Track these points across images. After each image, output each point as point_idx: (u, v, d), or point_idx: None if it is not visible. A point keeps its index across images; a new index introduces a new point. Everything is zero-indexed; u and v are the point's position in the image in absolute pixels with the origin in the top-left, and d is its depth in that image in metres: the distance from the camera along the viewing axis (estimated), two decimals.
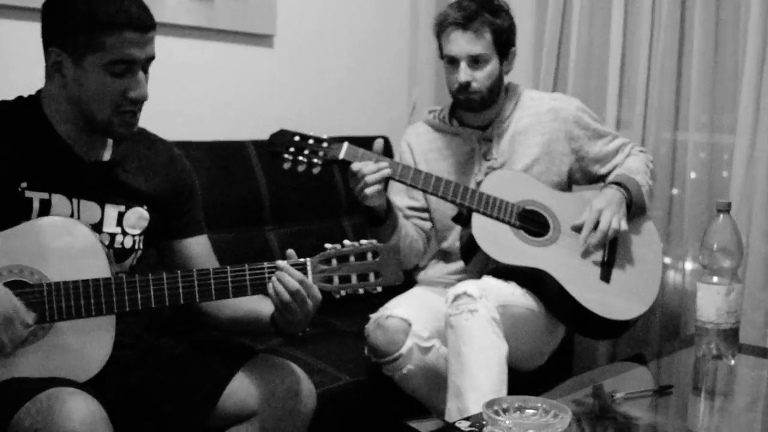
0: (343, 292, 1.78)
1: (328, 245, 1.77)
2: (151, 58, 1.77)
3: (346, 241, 1.78)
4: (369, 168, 2.28)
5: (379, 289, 1.79)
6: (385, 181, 2.33)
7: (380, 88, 3.61)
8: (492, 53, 2.49)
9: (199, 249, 1.96)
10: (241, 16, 3.03)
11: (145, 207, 1.88)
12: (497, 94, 2.56)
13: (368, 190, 2.28)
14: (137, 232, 1.87)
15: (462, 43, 2.47)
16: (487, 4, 2.49)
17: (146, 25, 1.72)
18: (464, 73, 2.48)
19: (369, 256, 1.78)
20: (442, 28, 2.52)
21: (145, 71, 1.77)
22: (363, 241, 1.78)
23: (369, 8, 3.53)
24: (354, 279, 1.77)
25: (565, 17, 3.28)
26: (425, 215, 2.66)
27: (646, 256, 2.53)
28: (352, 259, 1.77)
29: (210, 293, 1.72)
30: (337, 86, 3.42)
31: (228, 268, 1.73)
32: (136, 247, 1.87)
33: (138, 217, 1.87)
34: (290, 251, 1.78)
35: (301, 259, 1.76)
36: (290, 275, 1.73)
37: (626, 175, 2.54)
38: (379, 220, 2.41)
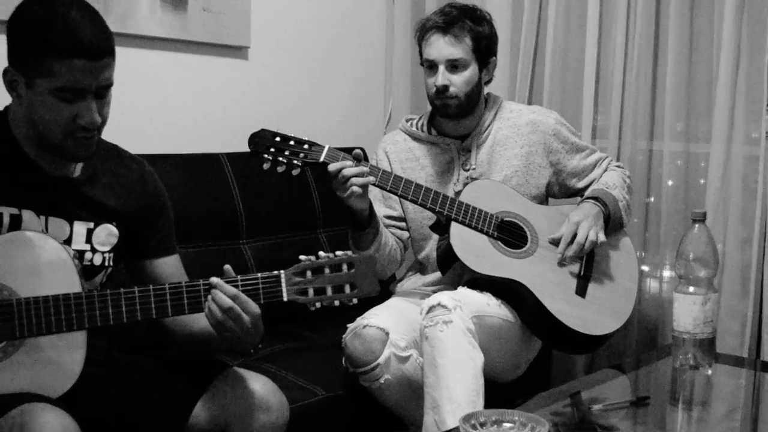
0: (318, 305, 1.77)
1: (302, 257, 1.76)
2: (107, 85, 1.72)
3: (321, 253, 1.77)
4: (353, 169, 2.28)
5: (355, 300, 1.78)
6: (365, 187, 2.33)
7: (356, 99, 3.61)
8: (471, 60, 2.50)
9: (169, 269, 1.95)
10: (215, 28, 3.02)
11: (114, 223, 1.86)
12: (475, 102, 2.57)
13: (354, 189, 2.27)
14: (107, 249, 1.85)
15: (441, 46, 2.49)
16: (470, 12, 2.52)
17: (99, 51, 1.67)
18: (442, 76, 2.49)
19: (344, 267, 1.77)
20: (422, 32, 2.54)
21: (101, 97, 1.72)
22: (338, 253, 1.78)
23: (344, 18, 3.53)
24: (329, 291, 1.76)
25: (540, 24, 3.30)
26: (403, 224, 2.66)
27: (623, 271, 2.54)
28: (326, 270, 1.76)
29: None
30: (312, 97, 3.42)
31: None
32: (106, 264, 1.86)
33: (107, 233, 1.85)
34: (227, 267, 1.75)
35: (275, 272, 1.75)
36: (223, 292, 1.71)
37: (603, 189, 2.55)
38: (362, 224, 2.41)
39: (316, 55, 3.43)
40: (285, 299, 1.75)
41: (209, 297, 1.71)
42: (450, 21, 2.48)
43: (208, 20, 2.99)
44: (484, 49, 2.53)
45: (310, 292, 1.76)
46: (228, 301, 1.70)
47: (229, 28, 3.06)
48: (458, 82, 2.50)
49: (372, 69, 3.67)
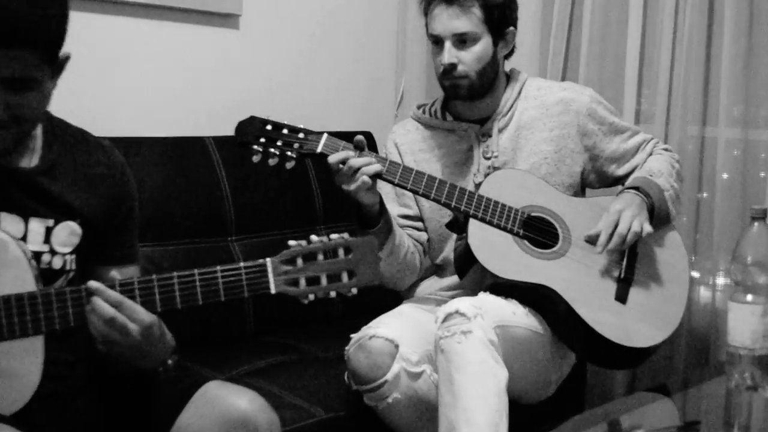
0: (311, 297, 1.73)
1: (291, 242, 1.73)
2: (21, 78, 1.65)
3: (314, 237, 1.75)
4: (359, 159, 2.28)
5: (354, 290, 1.75)
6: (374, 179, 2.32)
7: (362, 78, 3.62)
8: (482, 32, 2.49)
9: None
10: None
11: (78, 221, 1.84)
12: (492, 80, 2.56)
13: (364, 179, 2.26)
14: (68, 250, 1.83)
15: (445, 19, 2.48)
16: None
17: (8, 40, 1.60)
18: (448, 53, 2.48)
19: (340, 252, 1.74)
20: (427, 3, 2.53)
21: (13, 89, 1.64)
22: (333, 236, 1.75)
23: None
24: (324, 280, 1.73)
25: None
26: (420, 225, 2.66)
27: (670, 272, 2.52)
28: (320, 257, 1.73)
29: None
30: (312, 74, 3.43)
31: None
32: (67, 267, 1.83)
33: (69, 232, 1.83)
34: (113, 273, 1.73)
35: (260, 260, 1.73)
36: (105, 298, 1.66)
37: (646, 178, 2.53)
38: (372, 221, 2.40)
39: (317, 26, 3.44)
40: (273, 291, 1.72)
41: (87, 307, 1.67)
42: None
43: None
44: (498, 19, 2.51)
45: (302, 282, 1.73)
46: (109, 311, 1.66)
47: None
48: (468, 59, 2.49)
49: (382, 44, 3.68)
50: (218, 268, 1.71)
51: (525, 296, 2.39)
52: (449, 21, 2.47)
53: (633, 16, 3.14)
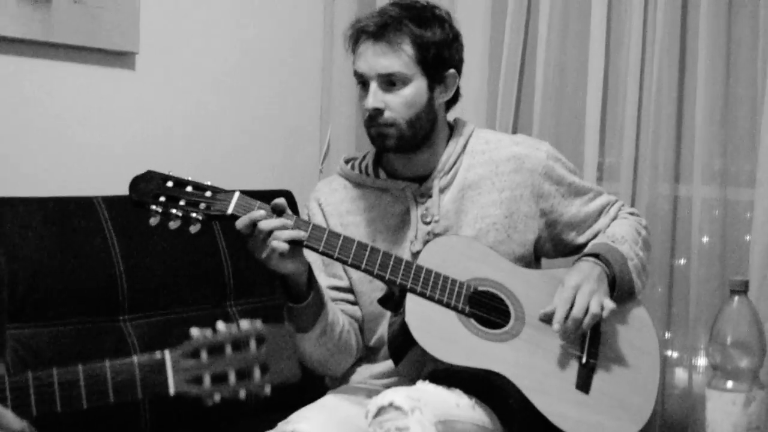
0: (217, 398, 1.71)
1: (194, 331, 1.71)
2: None
3: (220, 325, 1.73)
4: (271, 221, 2.27)
5: (268, 390, 1.73)
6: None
7: (282, 125, 3.62)
8: (414, 73, 2.50)
9: None
10: (91, 27, 3.01)
11: None
12: (428, 131, 2.56)
13: (276, 245, 2.25)
14: None
15: (371, 57, 2.49)
16: (415, 10, 2.52)
17: None
18: (373, 96, 2.49)
19: (252, 344, 1.72)
20: (352, 39, 2.55)
21: None
22: (243, 323, 1.73)
23: (267, 19, 3.55)
24: (232, 377, 1.71)
25: (529, 28, 3.32)
26: (354, 298, 2.65)
27: (639, 356, 2.54)
28: (228, 349, 1.71)
29: None
30: (222, 122, 3.43)
31: None
32: None
33: None
34: None
35: (157, 353, 1.70)
36: None
37: (608, 244, 2.56)
38: (298, 294, 2.39)
39: (229, 66, 3.44)
40: (172, 392, 1.70)
41: None
42: (384, 23, 2.49)
43: (81, 16, 2.98)
44: (434, 60, 2.52)
45: (206, 380, 1.70)
46: None
47: (109, 27, 3.05)
48: (396, 104, 2.49)
49: (304, 87, 3.69)
50: (107, 363, 1.68)
51: (472, 385, 2.38)
52: (375, 59, 2.48)
53: (594, 55, 3.18)
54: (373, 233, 2.60)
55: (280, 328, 1.75)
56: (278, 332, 1.75)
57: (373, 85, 2.49)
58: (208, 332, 1.72)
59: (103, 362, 1.69)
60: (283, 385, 1.74)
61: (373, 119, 2.50)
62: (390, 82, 2.49)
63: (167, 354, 1.70)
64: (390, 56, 2.48)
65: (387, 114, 2.49)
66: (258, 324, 1.74)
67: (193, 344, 1.71)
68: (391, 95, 2.49)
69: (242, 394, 1.72)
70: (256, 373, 1.72)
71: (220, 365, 1.71)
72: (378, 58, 2.48)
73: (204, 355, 1.71)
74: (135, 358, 1.69)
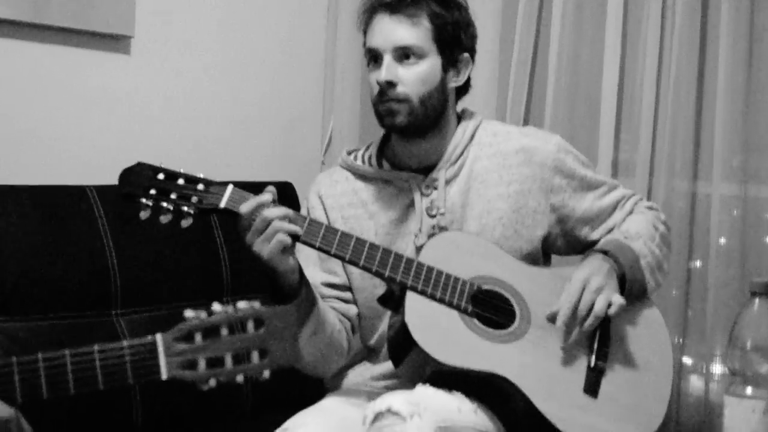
0: (213, 382, 1.71)
1: (188, 312, 1.71)
2: None
3: (216, 305, 1.72)
4: (276, 210, 2.26)
5: (267, 374, 1.72)
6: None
7: (282, 114, 3.64)
8: (430, 50, 2.51)
9: None
10: (83, 8, 3.02)
11: None
12: (438, 114, 2.56)
13: (281, 238, 2.25)
14: None
15: (387, 28, 2.50)
16: None
17: None
18: (387, 69, 2.49)
19: (249, 325, 1.71)
20: (367, 15, 2.56)
21: None
22: (240, 304, 1.72)
23: (269, 1, 3.56)
24: (229, 361, 1.70)
25: (541, 22, 3.32)
26: (348, 295, 2.64)
27: (651, 359, 2.54)
28: (224, 331, 1.70)
29: None
30: (218, 110, 3.44)
31: None
32: None
33: None
34: None
35: (149, 337, 1.69)
36: None
37: (619, 240, 2.54)
38: (290, 294, 2.37)
39: (226, 52, 3.46)
40: (164, 377, 1.69)
41: None
42: None
43: None
44: (451, 39, 2.54)
45: (201, 364, 1.70)
46: None
47: (104, 9, 3.06)
48: (409, 78, 2.49)
49: (306, 74, 3.71)
50: (95, 347, 1.67)
51: (474, 388, 2.38)
52: (392, 31, 2.50)
53: (609, 45, 3.19)
54: (376, 226, 2.60)
55: (280, 310, 1.75)
56: (277, 313, 1.75)
57: (387, 58, 2.49)
58: (203, 314, 1.71)
59: (91, 347, 1.68)
60: (283, 369, 1.73)
61: (384, 94, 2.49)
62: (405, 55, 2.50)
63: (159, 337, 1.70)
64: (408, 27, 2.50)
65: (399, 88, 2.49)
66: (256, 305, 1.74)
67: (187, 326, 1.70)
68: (404, 69, 2.50)
69: (240, 378, 1.73)
70: (255, 356, 1.73)
71: (216, 348, 1.71)
72: (395, 30, 2.50)
73: (198, 337, 1.70)
74: (125, 342, 1.69)
